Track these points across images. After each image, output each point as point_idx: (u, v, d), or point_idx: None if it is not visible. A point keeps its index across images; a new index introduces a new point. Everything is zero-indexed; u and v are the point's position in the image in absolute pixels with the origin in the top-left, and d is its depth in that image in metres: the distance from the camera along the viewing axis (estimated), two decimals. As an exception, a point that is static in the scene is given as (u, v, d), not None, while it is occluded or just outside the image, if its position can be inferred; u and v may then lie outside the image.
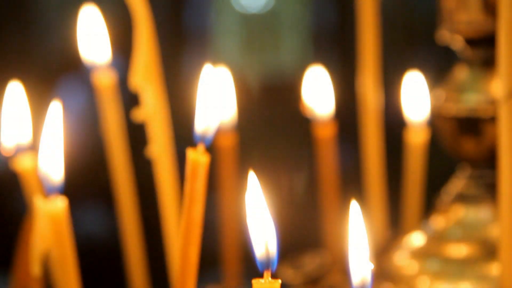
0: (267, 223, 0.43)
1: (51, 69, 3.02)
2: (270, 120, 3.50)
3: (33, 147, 0.71)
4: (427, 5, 3.05)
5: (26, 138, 0.72)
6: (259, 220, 0.44)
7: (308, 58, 4.18)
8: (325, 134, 0.92)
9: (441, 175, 0.82)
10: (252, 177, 0.46)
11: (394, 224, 0.93)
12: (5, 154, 0.71)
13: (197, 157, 0.51)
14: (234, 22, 4.41)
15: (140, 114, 0.70)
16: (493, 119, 0.67)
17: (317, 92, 0.93)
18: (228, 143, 0.92)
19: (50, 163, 0.56)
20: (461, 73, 0.71)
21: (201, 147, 0.52)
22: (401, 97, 0.93)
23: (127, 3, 0.69)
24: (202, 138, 0.52)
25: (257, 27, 4.59)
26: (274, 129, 3.35)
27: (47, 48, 3.19)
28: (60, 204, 0.55)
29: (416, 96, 0.91)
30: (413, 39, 3.11)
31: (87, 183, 2.35)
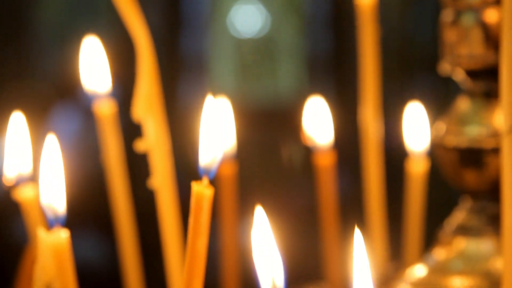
0: (274, 259, 0.43)
1: (46, 95, 3.03)
2: (268, 147, 3.50)
3: (34, 177, 0.71)
4: (424, 35, 3.07)
5: (27, 168, 0.72)
6: (266, 255, 0.44)
7: (304, 84, 4.19)
8: (325, 163, 0.92)
9: (443, 206, 0.82)
10: (259, 212, 0.46)
11: (395, 255, 0.93)
12: (6, 184, 0.71)
13: (201, 190, 0.51)
14: (230, 47, 4.42)
15: (142, 145, 0.71)
16: (495, 151, 0.67)
17: (317, 121, 0.93)
18: (228, 172, 0.92)
19: (52, 195, 0.56)
20: (462, 105, 0.71)
21: (205, 180, 0.52)
22: (402, 127, 0.94)
23: (131, 35, 0.69)
24: (206, 171, 0.53)
25: (252, 52, 4.60)
26: (272, 156, 3.35)
27: (42, 74, 3.20)
28: (63, 236, 0.55)
29: (417, 126, 0.91)
30: (412, 68, 3.13)
31: (86, 211, 2.35)
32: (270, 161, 3.35)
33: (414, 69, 3.11)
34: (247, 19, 4.56)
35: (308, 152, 0.96)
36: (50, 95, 3.03)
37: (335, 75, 4.61)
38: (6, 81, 2.99)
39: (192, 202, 0.51)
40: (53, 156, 0.56)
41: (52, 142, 0.56)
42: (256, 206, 0.47)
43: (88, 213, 2.36)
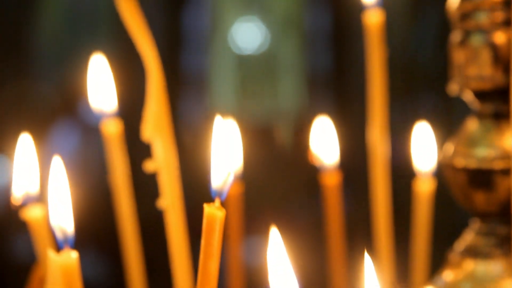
0: (290, 280, 0.43)
1: (48, 112, 3.03)
2: (271, 165, 3.50)
3: (41, 197, 0.71)
4: (427, 54, 3.07)
5: (34, 188, 0.72)
6: (282, 276, 0.44)
7: (304, 100, 4.19)
8: (331, 182, 0.92)
9: (452, 227, 0.82)
10: (274, 233, 0.46)
11: (403, 275, 0.92)
12: (14, 203, 0.71)
13: (213, 211, 0.51)
14: (231, 64, 4.43)
15: (151, 165, 0.71)
16: (504, 172, 0.67)
17: (323, 141, 0.93)
18: (234, 191, 0.92)
19: (61, 216, 0.56)
20: (471, 126, 0.71)
21: (217, 202, 0.52)
22: (407, 146, 0.94)
23: (141, 57, 0.69)
24: (218, 193, 0.53)
25: (253, 69, 4.60)
26: (275, 174, 3.35)
27: (43, 91, 3.20)
28: (72, 257, 0.55)
29: (424, 146, 0.91)
30: (415, 87, 3.13)
31: (92, 231, 2.35)
32: (273, 179, 3.35)
33: (417, 87, 3.12)
34: (248, 36, 4.56)
35: (314, 171, 0.96)
36: (51, 112, 3.04)
37: (335, 92, 4.61)
38: (6, 99, 2.99)
39: (204, 224, 0.51)
40: (60, 177, 0.56)
41: (58, 163, 0.56)
42: (261, 225, 0.47)
43: (94, 232, 2.35)
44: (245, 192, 0.95)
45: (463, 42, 0.69)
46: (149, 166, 0.71)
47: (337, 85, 4.59)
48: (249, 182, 1.01)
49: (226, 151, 0.54)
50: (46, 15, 3.51)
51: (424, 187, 0.92)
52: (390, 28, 0.86)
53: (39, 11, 3.42)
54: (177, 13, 4.42)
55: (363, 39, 0.85)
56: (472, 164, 0.69)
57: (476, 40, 0.68)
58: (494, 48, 0.67)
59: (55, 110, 3.02)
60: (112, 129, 0.85)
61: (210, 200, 0.52)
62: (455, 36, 0.70)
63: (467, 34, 0.69)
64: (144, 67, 0.71)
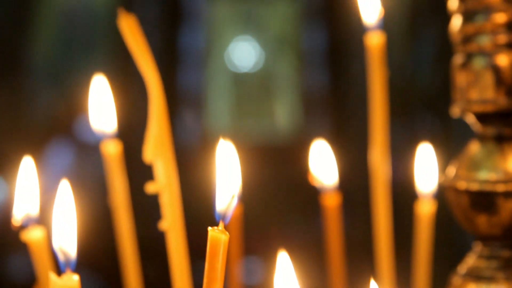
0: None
1: (44, 133, 3.03)
2: (269, 185, 3.49)
3: (42, 219, 0.71)
4: (425, 74, 3.08)
5: (34, 210, 0.72)
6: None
7: (301, 119, 4.19)
8: (331, 203, 0.92)
9: (454, 249, 0.82)
10: (283, 257, 0.46)
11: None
12: (15, 225, 0.71)
13: (217, 235, 0.51)
14: (227, 83, 4.43)
15: (153, 186, 0.71)
16: (506, 195, 0.67)
17: (322, 163, 0.93)
18: (234, 212, 0.92)
19: (64, 239, 0.56)
20: (473, 149, 0.71)
21: (221, 225, 0.51)
22: (409, 168, 0.94)
23: (144, 79, 0.69)
24: (222, 216, 0.52)
25: (249, 87, 4.61)
26: (273, 195, 3.34)
27: (40, 112, 3.20)
28: (74, 280, 0.55)
29: (426, 168, 0.91)
30: (412, 107, 3.15)
31: (92, 252, 2.34)
32: (272, 199, 3.35)
33: (415, 108, 3.13)
34: (244, 54, 4.57)
35: (314, 191, 0.96)
36: (48, 132, 3.04)
37: (332, 110, 4.62)
38: (2, 120, 2.99)
39: (208, 247, 0.50)
40: (66, 200, 0.56)
41: (65, 186, 0.56)
42: (260, 246, 0.47)
43: (94, 253, 2.35)
44: (244, 213, 0.95)
45: (465, 65, 0.69)
46: (150, 187, 0.71)
47: (333, 104, 4.60)
48: (248, 203, 1.01)
49: (228, 174, 0.54)
50: (43, 36, 3.52)
51: (425, 209, 0.92)
52: (389, 49, 0.86)
53: (35, 32, 3.43)
54: (173, 32, 4.44)
55: (359, 58, 0.86)
56: (475, 186, 0.69)
57: (478, 62, 0.68)
58: (496, 71, 0.67)
59: (53, 130, 3.02)
60: (112, 149, 0.85)
61: (209, 220, 0.52)
62: (457, 59, 0.70)
63: (469, 56, 0.69)
64: (140, 87, 0.71)
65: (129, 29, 0.69)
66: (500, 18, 0.67)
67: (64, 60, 3.48)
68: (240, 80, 4.56)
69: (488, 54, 0.68)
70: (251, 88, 4.58)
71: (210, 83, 4.25)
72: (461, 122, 0.75)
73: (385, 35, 0.84)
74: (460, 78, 0.70)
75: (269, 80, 4.66)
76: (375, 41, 0.84)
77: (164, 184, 0.71)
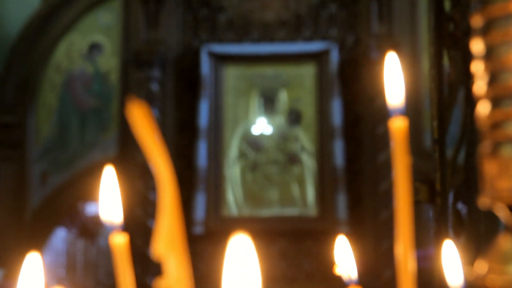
0: None
1: (45, 223, 3.01)
2: (295, 277, 3.43)
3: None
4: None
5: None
6: None
7: (319, 204, 4.16)
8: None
9: None
10: None
11: None
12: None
13: None
14: (243, 167, 4.44)
15: (163, 283, 0.67)
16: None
17: (348, 255, 0.90)
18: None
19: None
20: (504, 242, 0.67)
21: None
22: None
23: (154, 172, 0.66)
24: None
25: (264, 170, 4.61)
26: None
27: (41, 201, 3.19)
28: None
29: (452, 264, 0.87)
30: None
31: None
32: None
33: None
34: (259, 136, 4.58)
35: (340, 283, 0.92)
36: (51, 222, 3.02)
37: (349, 194, 4.58)
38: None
39: None
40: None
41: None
42: None
43: None
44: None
45: (494, 153, 0.65)
46: (160, 284, 0.67)
47: (350, 187, 4.57)
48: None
49: (248, 270, 0.52)
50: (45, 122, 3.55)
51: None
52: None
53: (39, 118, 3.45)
54: (191, 111, 4.45)
55: (373, 141, 0.82)
56: (507, 282, 0.64)
57: (507, 150, 0.65)
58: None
59: (55, 220, 3.01)
60: (120, 241, 0.82)
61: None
62: (485, 147, 0.66)
63: (497, 145, 0.65)
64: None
65: (139, 117, 0.66)
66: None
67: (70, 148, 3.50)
68: (255, 163, 4.56)
69: (518, 142, 0.64)
70: (266, 171, 4.57)
71: (227, 166, 4.24)
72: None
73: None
74: (489, 167, 0.66)
75: (283, 161, 4.66)
76: (399, 125, 0.80)
77: (175, 280, 0.67)
